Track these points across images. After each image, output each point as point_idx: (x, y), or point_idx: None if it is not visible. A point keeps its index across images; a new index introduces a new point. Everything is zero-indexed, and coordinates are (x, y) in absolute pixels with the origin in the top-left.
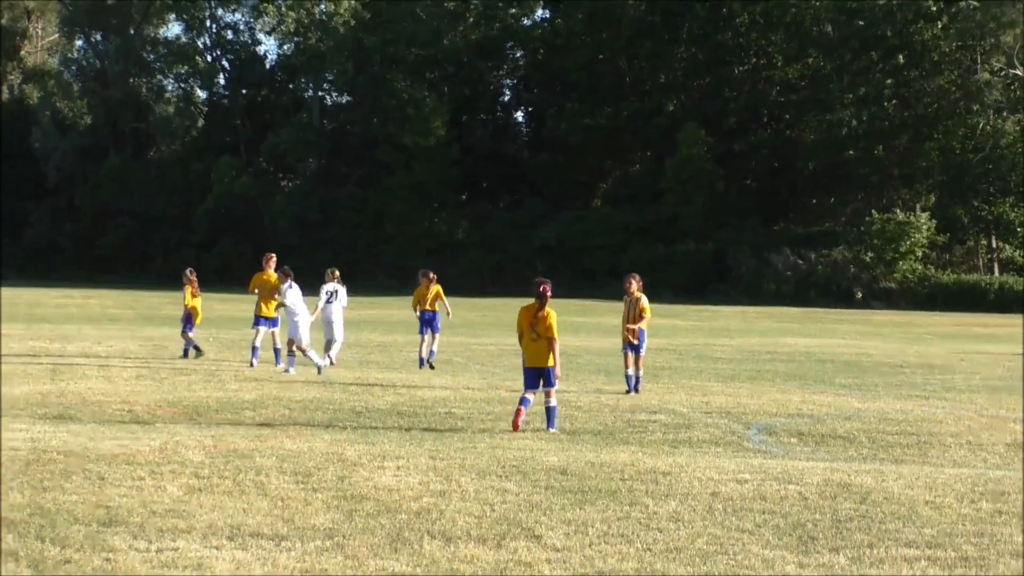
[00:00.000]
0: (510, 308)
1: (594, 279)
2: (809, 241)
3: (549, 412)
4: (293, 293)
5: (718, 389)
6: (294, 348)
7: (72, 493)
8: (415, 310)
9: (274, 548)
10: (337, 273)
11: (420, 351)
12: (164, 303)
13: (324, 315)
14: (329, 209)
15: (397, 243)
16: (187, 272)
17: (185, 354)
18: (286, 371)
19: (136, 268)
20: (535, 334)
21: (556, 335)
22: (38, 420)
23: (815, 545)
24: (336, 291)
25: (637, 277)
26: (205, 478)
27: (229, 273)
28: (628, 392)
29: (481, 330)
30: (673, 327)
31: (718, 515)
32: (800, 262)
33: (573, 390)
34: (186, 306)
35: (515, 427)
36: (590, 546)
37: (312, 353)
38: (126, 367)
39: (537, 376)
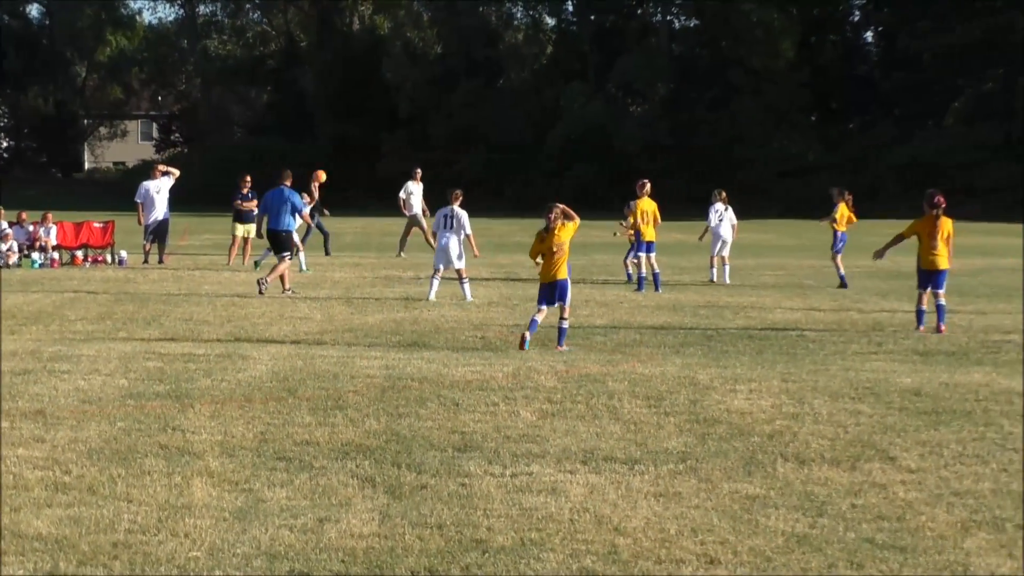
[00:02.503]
0: (862, 229)
1: (951, 198)
2: None
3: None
4: None
5: None
6: None
7: (427, 419)
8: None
9: (628, 472)
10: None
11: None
12: (515, 231)
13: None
14: (679, 134)
15: (749, 167)
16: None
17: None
18: None
19: (489, 196)
20: (934, 243)
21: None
22: (392, 348)
23: None
24: (454, 214)
25: None
26: (558, 403)
27: (584, 199)
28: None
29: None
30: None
31: None
32: None
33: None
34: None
35: None
36: (945, 467)
37: None
38: (478, 294)
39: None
